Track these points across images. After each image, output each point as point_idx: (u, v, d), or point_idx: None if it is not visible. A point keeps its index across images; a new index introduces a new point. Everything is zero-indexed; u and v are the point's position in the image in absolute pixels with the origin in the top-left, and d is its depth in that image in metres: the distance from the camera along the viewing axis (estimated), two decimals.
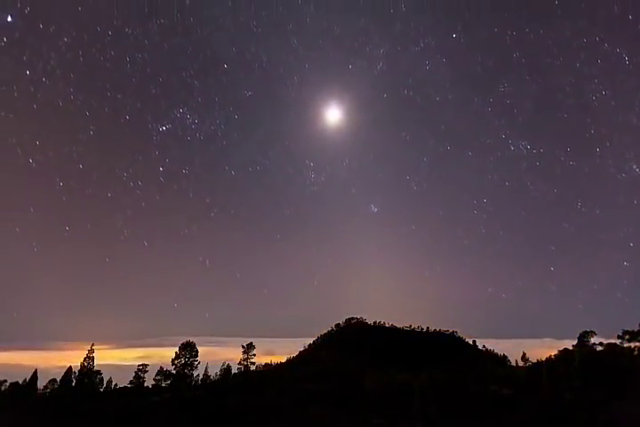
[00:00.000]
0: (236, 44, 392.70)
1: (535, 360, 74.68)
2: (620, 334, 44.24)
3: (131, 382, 58.00)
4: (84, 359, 59.73)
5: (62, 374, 61.22)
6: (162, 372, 55.97)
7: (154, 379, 56.09)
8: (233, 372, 72.42)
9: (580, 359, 42.92)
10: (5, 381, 64.15)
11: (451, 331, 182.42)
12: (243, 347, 65.15)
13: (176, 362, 55.12)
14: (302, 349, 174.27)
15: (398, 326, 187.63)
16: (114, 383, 66.27)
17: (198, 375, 64.88)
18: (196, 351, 56.54)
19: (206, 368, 70.98)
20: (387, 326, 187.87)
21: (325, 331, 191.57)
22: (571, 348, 51.55)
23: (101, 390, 61.27)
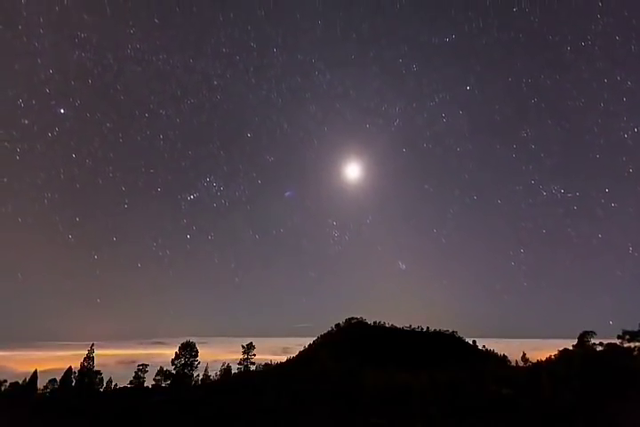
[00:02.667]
0: (258, 115, 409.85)
1: (535, 360, 74.72)
2: (620, 334, 44.23)
3: (131, 382, 57.94)
4: (84, 359, 59.77)
5: (62, 374, 61.29)
6: (162, 372, 55.94)
7: (154, 379, 56.07)
8: (233, 372, 72.48)
9: (579, 359, 42.92)
10: (5, 381, 64.17)
11: (451, 331, 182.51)
12: (243, 347, 65.18)
13: (176, 362, 55.13)
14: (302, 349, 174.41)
15: (398, 326, 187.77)
16: (114, 383, 66.34)
17: (198, 375, 64.92)
18: (196, 351, 56.56)
19: (206, 368, 71.05)
20: (387, 326, 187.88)
21: (325, 331, 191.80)
22: (571, 348, 51.52)
23: (101, 390, 61.23)
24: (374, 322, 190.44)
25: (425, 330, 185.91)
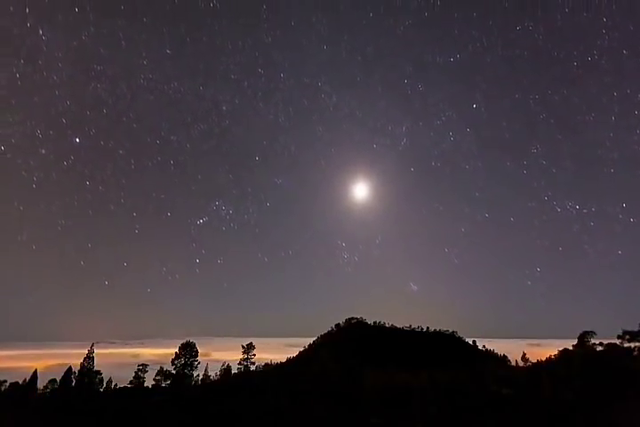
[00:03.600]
0: (266, 138, 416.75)
1: (535, 360, 74.86)
2: (620, 334, 44.20)
3: (131, 382, 57.93)
4: (84, 359, 59.71)
5: (62, 374, 61.23)
6: (162, 372, 55.90)
7: (154, 379, 56.01)
8: (233, 372, 72.50)
9: (579, 359, 42.91)
10: (5, 381, 64.11)
11: (451, 331, 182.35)
12: (243, 347, 65.18)
13: (176, 362, 55.09)
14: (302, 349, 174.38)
15: (398, 326, 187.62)
16: (114, 383, 66.33)
17: (198, 375, 64.91)
18: (196, 351, 56.50)
19: (206, 368, 71.07)
20: (387, 326, 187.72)
21: (325, 331, 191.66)
22: (571, 348, 51.52)
23: (101, 390, 61.20)
24: (374, 322, 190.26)
25: (425, 330, 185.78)
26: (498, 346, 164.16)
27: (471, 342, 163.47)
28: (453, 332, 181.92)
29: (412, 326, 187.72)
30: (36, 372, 64.86)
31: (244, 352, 64.51)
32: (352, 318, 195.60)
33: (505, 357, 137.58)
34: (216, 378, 73.13)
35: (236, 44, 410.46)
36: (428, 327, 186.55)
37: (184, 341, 57.47)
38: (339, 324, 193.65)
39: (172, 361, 55.27)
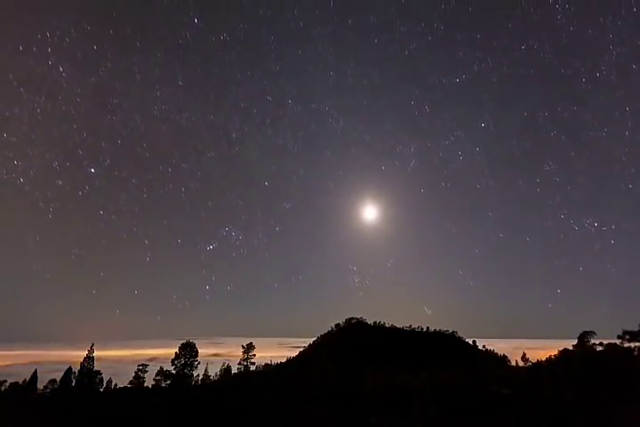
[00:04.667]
0: (275, 163, 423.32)
1: (535, 360, 74.83)
2: (620, 334, 44.20)
3: (131, 382, 57.94)
4: (84, 359, 59.71)
5: (62, 374, 61.24)
6: (162, 372, 55.91)
7: (154, 379, 56.02)
8: (233, 372, 72.46)
9: (579, 359, 42.90)
10: (5, 381, 64.17)
11: (451, 331, 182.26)
12: (243, 347, 65.20)
13: (176, 362, 55.09)
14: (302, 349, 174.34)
15: (398, 326, 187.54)
16: (114, 383, 66.31)
17: (198, 375, 64.86)
18: (196, 351, 56.51)
19: (206, 368, 70.99)
20: (387, 326, 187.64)
21: (325, 331, 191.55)
22: (571, 348, 51.53)
23: (101, 390, 61.21)
24: (374, 322, 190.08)
25: (425, 330, 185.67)
26: (498, 346, 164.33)
27: (471, 342, 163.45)
28: (453, 332, 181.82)
29: (412, 326, 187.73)
30: (35, 372, 64.87)
31: (244, 352, 64.53)
32: (352, 318, 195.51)
33: (505, 357, 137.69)
34: (216, 378, 73.09)
35: (245, 74, 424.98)
36: (427, 327, 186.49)
37: (184, 341, 57.52)
38: (339, 324, 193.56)
39: (172, 361, 55.29)
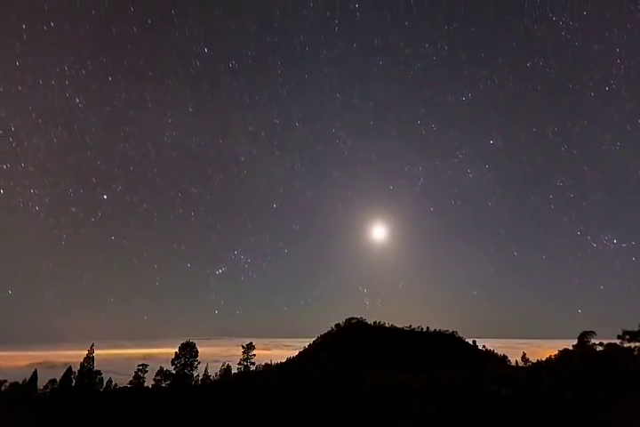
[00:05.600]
0: (283, 185, 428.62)
1: (535, 360, 74.89)
2: (620, 334, 44.18)
3: (131, 382, 57.88)
4: (84, 359, 59.70)
5: (62, 374, 61.22)
6: (162, 372, 55.88)
7: (154, 379, 55.97)
8: (233, 372, 72.43)
9: (579, 359, 42.88)
10: (5, 381, 64.13)
11: (451, 331, 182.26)
12: (243, 347, 65.16)
13: (176, 362, 55.07)
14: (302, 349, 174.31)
15: (398, 326, 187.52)
16: (114, 383, 66.26)
17: (198, 375, 64.83)
18: (196, 351, 56.47)
19: (206, 368, 70.96)
20: (387, 326, 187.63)
21: (325, 331, 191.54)
22: (571, 348, 51.51)
23: (101, 390, 61.20)
24: (374, 322, 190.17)
25: (425, 330, 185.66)
26: (498, 346, 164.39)
27: (471, 342, 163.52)
28: (453, 332, 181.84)
29: (412, 326, 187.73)
30: (35, 372, 64.87)
31: (244, 352, 64.51)
32: (352, 318, 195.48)
33: (505, 357, 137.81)
34: (216, 378, 73.08)
35: (253, 99, 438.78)
36: (428, 327, 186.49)
37: (184, 341, 57.51)
38: (339, 324, 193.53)
39: (172, 361, 55.27)
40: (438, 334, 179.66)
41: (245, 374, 65.12)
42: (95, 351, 60.96)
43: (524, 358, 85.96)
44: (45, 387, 61.30)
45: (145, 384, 57.99)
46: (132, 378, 57.69)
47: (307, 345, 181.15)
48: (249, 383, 56.18)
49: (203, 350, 62.59)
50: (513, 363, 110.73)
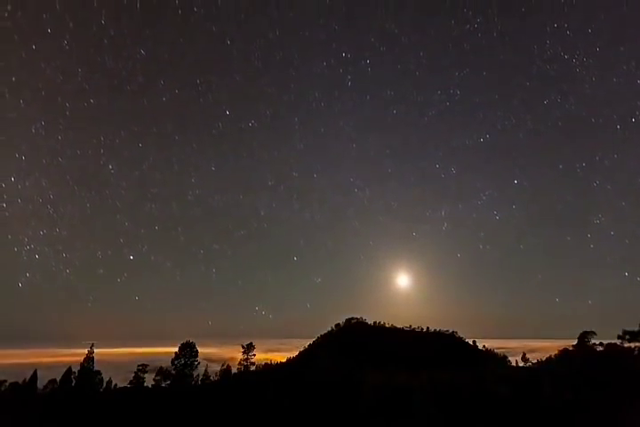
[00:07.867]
0: (303, 237, 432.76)
1: (535, 360, 74.89)
2: (620, 334, 44.20)
3: (131, 382, 57.88)
4: (84, 359, 59.69)
5: (62, 374, 61.19)
6: (162, 372, 55.88)
7: (154, 379, 56.00)
8: (233, 372, 72.40)
9: (580, 359, 42.90)
10: (5, 381, 64.02)
11: (451, 331, 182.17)
12: (243, 347, 65.17)
13: (176, 362, 55.07)
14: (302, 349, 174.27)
15: (398, 326, 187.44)
16: (114, 383, 66.24)
17: (198, 375, 64.81)
18: (196, 351, 56.50)
19: (206, 368, 70.93)
20: (387, 326, 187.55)
21: (325, 331, 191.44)
22: (571, 348, 51.55)
23: (101, 390, 61.17)
24: (374, 322, 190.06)
25: (425, 330, 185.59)
26: (498, 346, 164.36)
27: (471, 342, 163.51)
28: (453, 332, 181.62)
29: (412, 326, 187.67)
30: (35, 372, 64.81)
31: (244, 352, 64.51)
32: (352, 318, 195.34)
33: (505, 357, 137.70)
34: (216, 378, 73.03)
35: (272, 154, 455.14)
36: (428, 327, 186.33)
37: (184, 341, 57.51)
38: (338, 324, 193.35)
39: (172, 361, 55.27)
40: (438, 334, 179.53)
41: (245, 374, 65.13)
42: (95, 351, 60.95)
43: (524, 358, 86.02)
44: (45, 387, 61.24)
45: (145, 384, 58.02)
46: (131, 378, 57.76)
47: (307, 345, 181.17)
48: (249, 384, 56.16)
49: (203, 350, 62.60)
50: (513, 363, 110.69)
